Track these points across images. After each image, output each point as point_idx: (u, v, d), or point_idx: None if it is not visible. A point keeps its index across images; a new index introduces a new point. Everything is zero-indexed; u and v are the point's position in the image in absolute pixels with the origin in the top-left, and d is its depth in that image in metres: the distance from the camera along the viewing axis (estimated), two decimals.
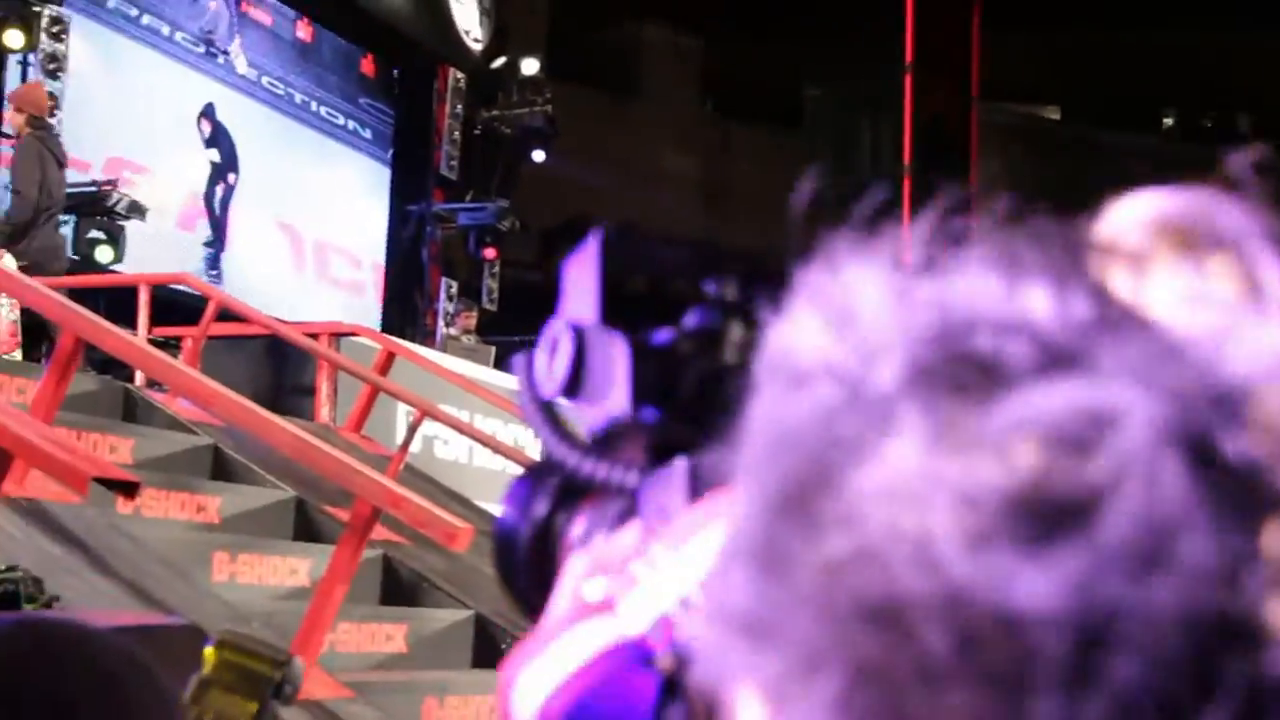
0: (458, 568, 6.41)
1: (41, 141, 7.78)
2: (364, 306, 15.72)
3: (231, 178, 13.90)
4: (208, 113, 13.56)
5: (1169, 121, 26.84)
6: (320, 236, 15.18)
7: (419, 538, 6.20)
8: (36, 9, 10.26)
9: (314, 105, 15.23)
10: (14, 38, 10.06)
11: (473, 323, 12.15)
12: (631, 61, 24.48)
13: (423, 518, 4.11)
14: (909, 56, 21.84)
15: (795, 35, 21.90)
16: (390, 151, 16.51)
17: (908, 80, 21.84)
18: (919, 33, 21.94)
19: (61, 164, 7.97)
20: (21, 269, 7.11)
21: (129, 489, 2.76)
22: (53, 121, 9.32)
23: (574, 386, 0.59)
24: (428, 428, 8.59)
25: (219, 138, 13.60)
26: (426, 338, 16.30)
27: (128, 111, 12.54)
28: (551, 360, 0.60)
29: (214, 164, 13.62)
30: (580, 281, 0.61)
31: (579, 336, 0.59)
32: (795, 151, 25.89)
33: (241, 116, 14.00)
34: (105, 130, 12.13)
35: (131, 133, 12.57)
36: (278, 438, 4.32)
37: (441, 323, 16.77)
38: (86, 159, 11.47)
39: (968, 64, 22.74)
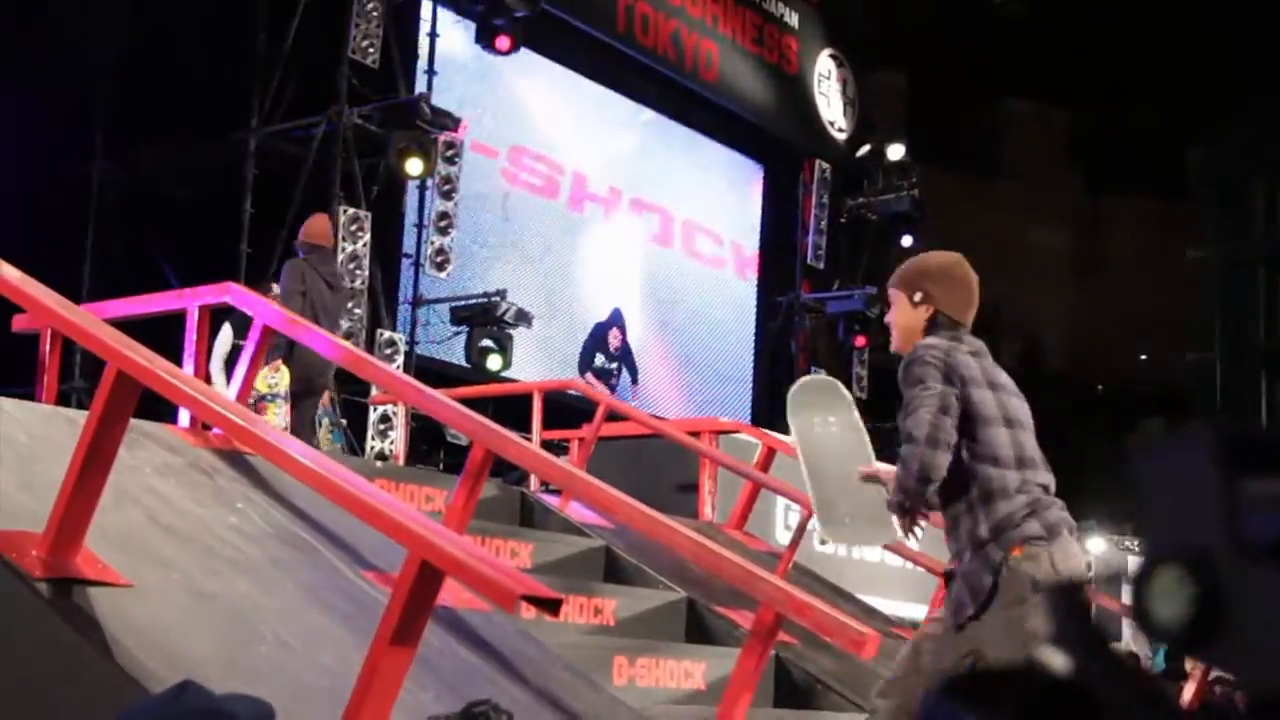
0: (850, 669, 6.24)
1: (309, 264, 8.37)
2: (737, 369, 15.91)
3: (619, 372, 14.24)
4: (617, 322, 14.10)
5: None
6: (689, 217, 15.98)
7: (809, 637, 6.08)
8: (434, 135, 11.04)
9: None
10: (414, 165, 10.86)
11: None
12: (996, 139, 23.98)
13: (829, 625, 3.99)
14: None
15: (1174, 96, 20.79)
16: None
17: None
18: None
19: (331, 285, 8.45)
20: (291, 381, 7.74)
21: (554, 606, 2.79)
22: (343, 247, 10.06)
23: (1204, 635, 0.46)
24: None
25: (625, 354, 14.04)
26: None
27: (530, 110, 14.18)
28: (1154, 592, 0.47)
29: (606, 368, 14.00)
30: (1185, 489, 0.48)
31: (1208, 570, 0.46)
32: (1177, 218, 24.55)
33: (625, 114, 15.29)
34: (510, 127, 13.86)
35: (531, 128, 14.17)
36: (678, 542, 4.32)
37: None
38: (495, 147, 13.50)
39: None
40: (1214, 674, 8.09)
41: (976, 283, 3.72)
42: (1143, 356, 25.35)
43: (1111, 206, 25.56)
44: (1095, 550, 17.81)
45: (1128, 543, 18.39)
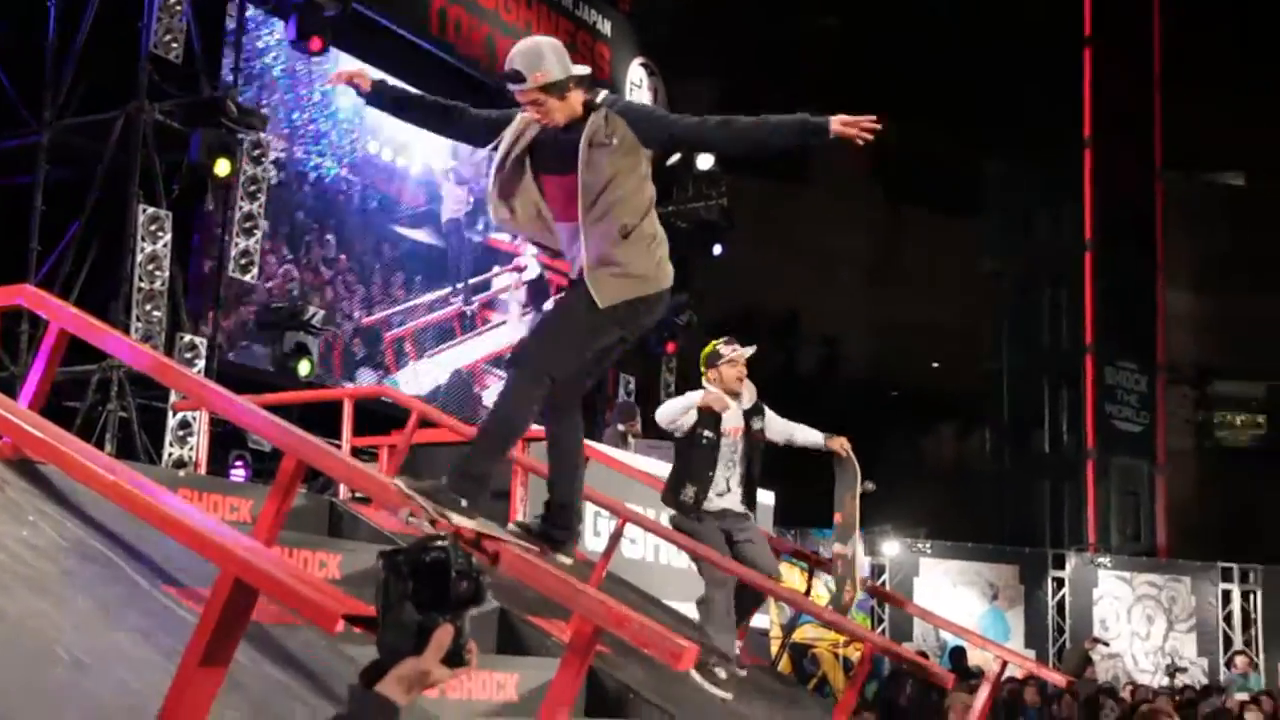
0: (660, 678, 6.29)
1: None
2: None
3: None
4: None
5: None
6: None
7: (622, 646, 6.10)
8: (241, 136, 10.73)
9: None
10: (222, 166, 10.53)
11: (638, 428, 11.97)
12: (803, 149, 24.55)
13: (647, 638, 3.99)
14: (1088, 130, 21.45)
15: (970, 114, 21.62)
16: None
17: (1088, 154, 21.43)
18: (1098, 106, 21.55)
19: None
20: None
21: (375, 624, 2.73)
22: None
23: None
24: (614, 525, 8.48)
25: None
26: (605, 433, 16.34)
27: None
28: None
29: None
30: None
31: None
32: (971, 230, 25.53)
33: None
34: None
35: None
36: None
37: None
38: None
39: (1150, 135, 22.21)
40: (1005, 674, 8.41)
41: None
42: (935, 364, 26.24)
43: (911, 217, 26.38)
44: (889, 552, 18.36)
45: (919, 545, 19.01)
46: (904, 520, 18.86)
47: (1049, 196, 22.90)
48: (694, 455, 6.67)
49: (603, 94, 4.71)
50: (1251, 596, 18.82)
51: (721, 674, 6.26)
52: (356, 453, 8.39)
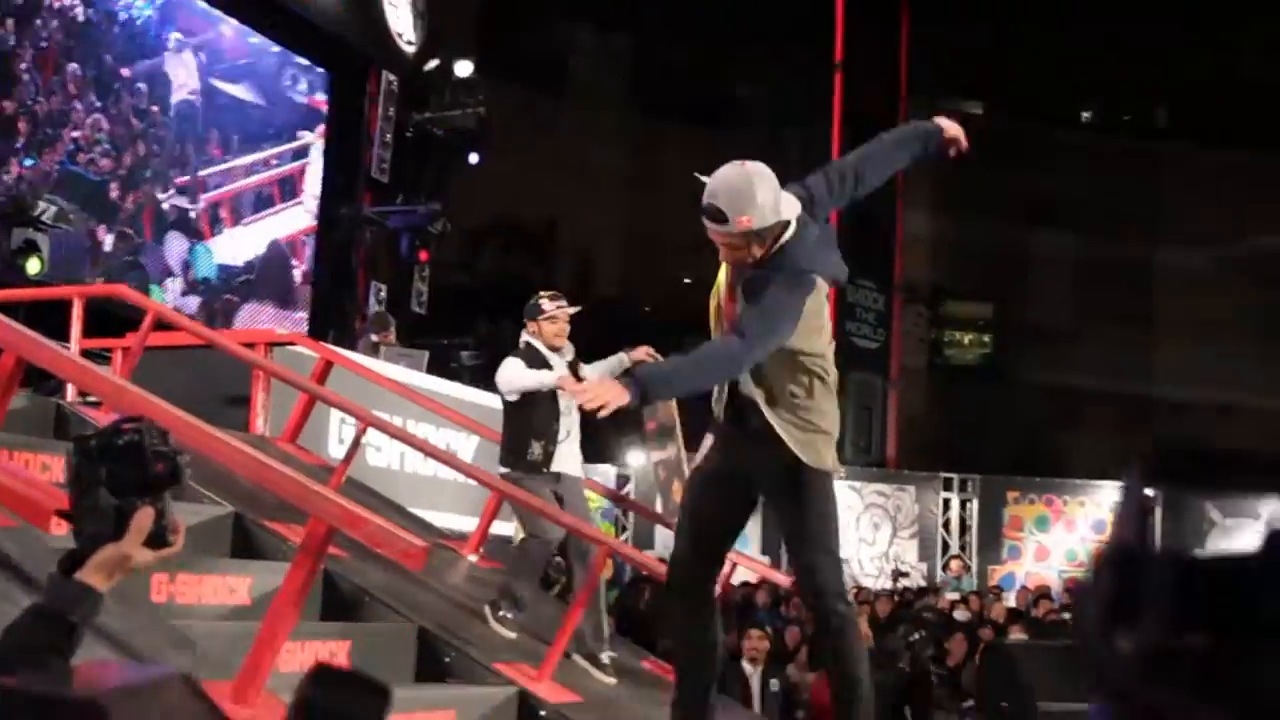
0: (397, 580, 6.35)
1: None
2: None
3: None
4: None
5: (1088, 115, 27.23)
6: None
7: (359, 550, 6.13)
8: None
9: None
10: None
11: (391, 337, 11.93)
12: (561, 61, 24.45)
13: (380, 538, 4.05)
14: (839, 55, 22.06)
15: (725, 35, 21.94)
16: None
17: (838, 78, 22.06)
18: (848, 32, 22.18)
19: None
20: None
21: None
22: None
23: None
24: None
25: None
26: (355, 342, 16.16)
27: None
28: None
29: None
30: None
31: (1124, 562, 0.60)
32: (723, 148, 25.97)
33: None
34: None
35: None
36: (224, 454, 4.24)
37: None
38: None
39: (895, 62, 23.02)
40: (740, 578, 8.73)
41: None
42: (686, 280, 26.71)
43: (668, 134, 26.61)
44: (635, 463, 18.75)
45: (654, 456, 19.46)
46: (648, 436, 19.29)
47: (800, 117, 23.50)
48: (536, 412, 6.63)
49: (784, 237, 4.04)
50: (969, 505, 20.07)
51: (510, 617, 6.46)
52: (89, 355, 8.10)
